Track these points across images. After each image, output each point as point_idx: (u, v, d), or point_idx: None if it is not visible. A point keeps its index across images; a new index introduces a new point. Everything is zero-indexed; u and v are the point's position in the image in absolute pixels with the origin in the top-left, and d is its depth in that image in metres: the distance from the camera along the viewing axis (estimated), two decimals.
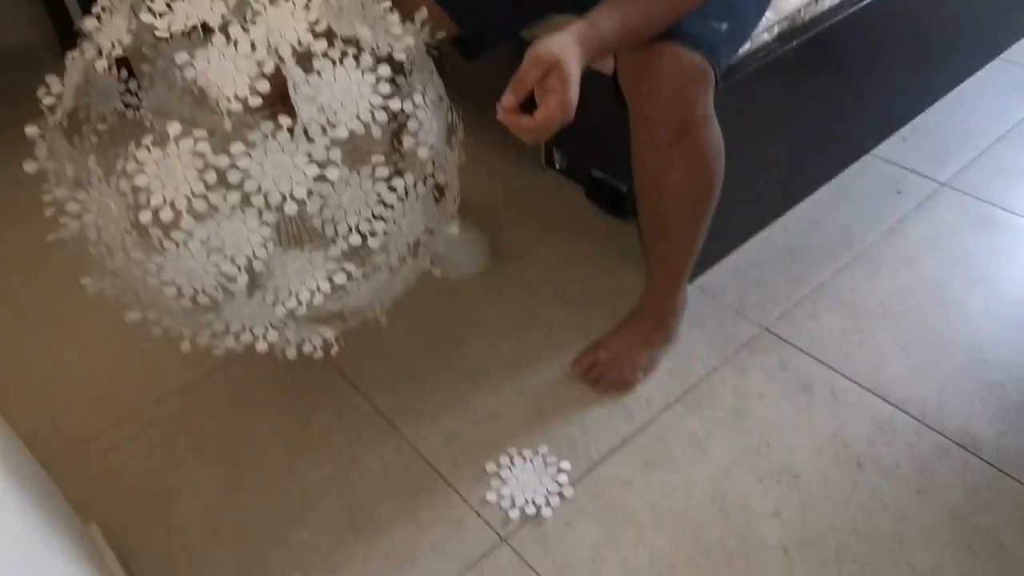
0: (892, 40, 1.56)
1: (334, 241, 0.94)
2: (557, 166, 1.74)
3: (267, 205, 0.88)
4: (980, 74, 1.93)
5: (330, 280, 0.96)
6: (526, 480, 1.16)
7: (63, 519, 0.88)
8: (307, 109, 0.87)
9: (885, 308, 1.38)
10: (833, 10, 1.38)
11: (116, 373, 1.39)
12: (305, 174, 0.88)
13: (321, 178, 0.89)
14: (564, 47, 0.92)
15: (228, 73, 0.86)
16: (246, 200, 0.88)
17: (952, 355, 1.29)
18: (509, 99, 0.92)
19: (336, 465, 1.21)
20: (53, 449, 1.26)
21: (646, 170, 1.13)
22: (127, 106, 1.06)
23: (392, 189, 0.94)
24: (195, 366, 1.38)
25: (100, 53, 0.92)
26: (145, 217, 0.86)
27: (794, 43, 1.31)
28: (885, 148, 1.74)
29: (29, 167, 0.97)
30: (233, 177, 0.86)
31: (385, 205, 0.94)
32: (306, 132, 0.87)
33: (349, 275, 0.97)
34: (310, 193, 0.89)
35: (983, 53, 1.95)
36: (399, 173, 0.95)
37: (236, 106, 0.85)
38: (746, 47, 1.25)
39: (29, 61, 2.33)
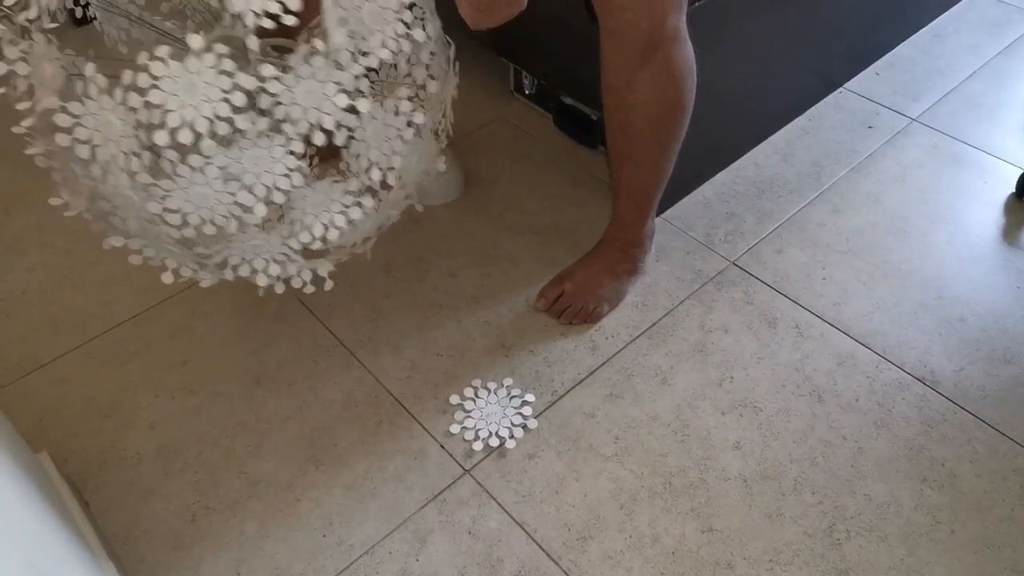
0: None
1: (357, 175, 0.90)
2: (526, 91, 1.68)
3: (295, 134, 0.84)
4: (955, 8, 1.90)
5: (345, 214, 0.94)
6: (490, 412, 1.15)
7: (11, 448, 0.85)
8: (338, 34, 0.81)
9: (850, 243, 1.38)
10: None
11: (63, 301, 1.33)
12: (335, 104, 0.84)
13: (350, 109, 0.85)
14: None
15: None
16: (274, 127, 0.84)
17: (914, 291, 1.30)
18: None
19: (295, 396, 1.18)
20: (0, 379, 1.21)
21: (613, 87, 1.09)
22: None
23: (410, 125, 0.90)
24: (147, 293, 1.33)
25: None
26: (161, 138, 0.80)
27: None
28: (858, 82, 1.71)
29: None
30: (264, 102, 0.81)
31: (403, 141, 0.91)
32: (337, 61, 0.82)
33: (364, 210, 0.94)
34: (338, 125, 0.85)
35: None
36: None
37: (267, 22, 0.78)
38: None
39: None
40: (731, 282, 1.33)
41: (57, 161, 0.88)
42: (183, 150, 0.83)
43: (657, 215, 1.40)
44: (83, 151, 0.83)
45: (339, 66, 0.83)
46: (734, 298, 1.30)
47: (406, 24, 0.86)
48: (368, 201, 0.94)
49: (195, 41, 0.78)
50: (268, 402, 1.18)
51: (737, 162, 1.55)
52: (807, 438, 1.11)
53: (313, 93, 0.83)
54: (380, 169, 0.92)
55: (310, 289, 0.98)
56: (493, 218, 1.45)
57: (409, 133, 0.91)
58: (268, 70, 0.81)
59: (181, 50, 0.80)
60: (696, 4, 1.16)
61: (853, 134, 1.59)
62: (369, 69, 0.84)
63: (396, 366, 1.22)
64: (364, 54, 0.84)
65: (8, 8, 0.83)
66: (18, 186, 1.54)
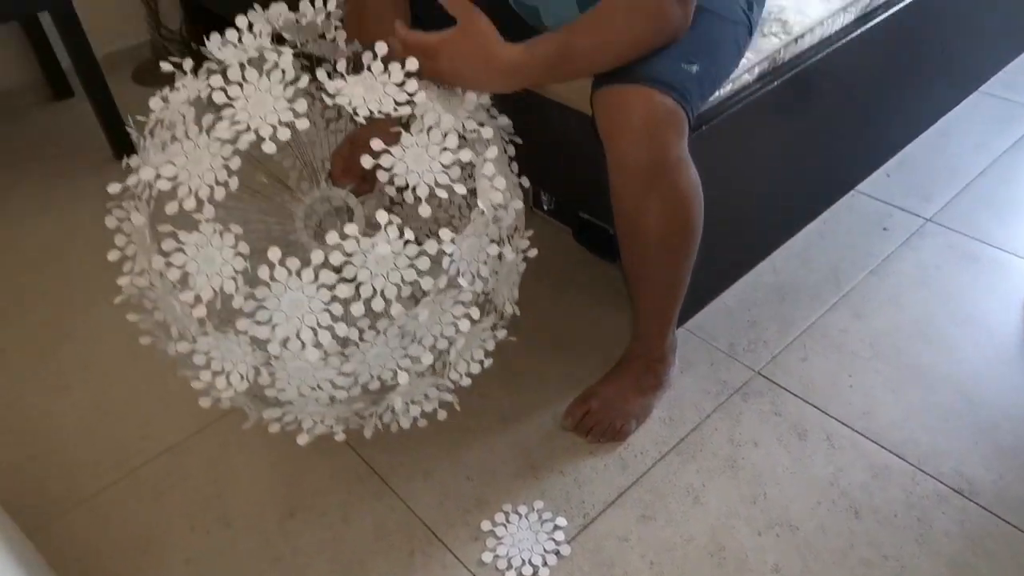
0: (872, 76, 1.57)
1: (490, 313, 1.09)
2: (545, 207, 1.74)
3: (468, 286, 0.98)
4: (960, 107, 1.95)
5: (484, 348, 1.09)
6: (522, 538, 1.15)
7: None
8: (488, 200, 0.98)
9: (874, 349, 1.39)
10: (812, 49, 1.39)
11: (104, 432, 1.37)
12: (488, 253, 1.01)
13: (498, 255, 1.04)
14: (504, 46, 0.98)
15: (375, 91, 0.95)
16: (452, 283, 0.96)
17: (944, 396, 1.29)
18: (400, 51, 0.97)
19: (328, 527, 1.19)
20: (39, 518, 1.24)
21: (623, 213, 1.13)
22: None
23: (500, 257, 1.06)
24: (184, 423, 1.36)
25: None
26: (357, 309, 0.91)
27: (775, 83, 1.32)
28: (870, 184, 1.75)
29: (111, 256, 1.03)
30: (444, 262, 0.94)
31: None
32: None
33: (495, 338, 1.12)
34: (493, 271, 1.03)
35: (962, 87, 1.98)
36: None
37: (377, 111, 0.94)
38: (727, 88, 1.26)
39: (16, 107, 2.32)
40: (758, 393, 1.33)
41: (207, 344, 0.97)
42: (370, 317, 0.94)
43: (679, 325, 1.42)
44: (263, 331, 0.91)
45: (496, 219, 1.02)
46: (762, 409, 1.30)
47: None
48: (501, 333, 1.12)
49: (382, 216, 0.91)
50: (303, 533, 1.19)
51: (756, 268, 1.57)
52: (847, 558, 1.09)
53: (474, 247, 0.99)
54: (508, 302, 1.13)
55: (423, 422, 1.12)
56: (517, 334, 1.48)
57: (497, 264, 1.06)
58: (446, 234, 0.93)
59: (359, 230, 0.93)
60: (702, 129, 1.21)
61: (869, 236, 1.61)
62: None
63: (428, 492, 1.23)
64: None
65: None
66: (63, 322, 1.61)
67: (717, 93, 1.24)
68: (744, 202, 1.45)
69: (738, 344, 1.42)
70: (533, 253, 1.13)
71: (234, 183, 0.91)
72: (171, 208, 0.92)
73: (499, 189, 0.99)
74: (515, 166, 1.16)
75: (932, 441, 1.23)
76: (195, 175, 0.91)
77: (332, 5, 1.09)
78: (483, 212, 0.98)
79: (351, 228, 0.91)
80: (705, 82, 1.10)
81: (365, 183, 1.17)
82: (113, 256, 1.03)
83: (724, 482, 1.20)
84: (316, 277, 0.90)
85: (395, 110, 0.95)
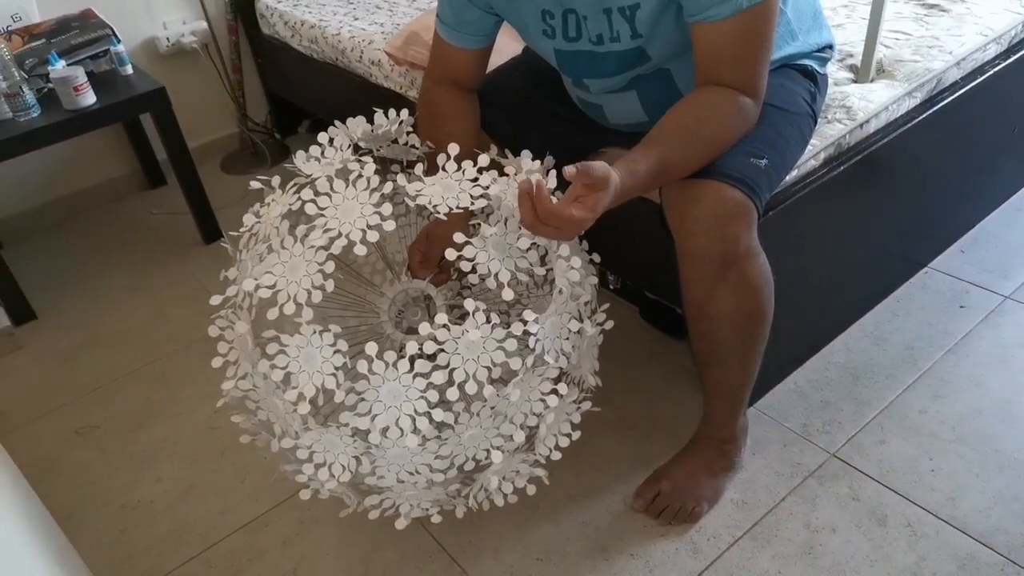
0: (939, 155, 1.57)
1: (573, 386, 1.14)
2: (611, 287, 1.76)
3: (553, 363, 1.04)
4: None
5: (570, 422, 1.13)
6: None
7: None
8: (567, 280, 1.04)
9: (956, 431, 1.34)
10: (878, 133, 1.41)
11: (187, 510, 1.42)
12: (570, 329, 1.06)
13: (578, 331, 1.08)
14: (615, 182, 0.95)
15: (452, 189, 1.03)
16: (537, 361, 1.02)
17: None
18: (570, 170, 0.91)
19: None
20: None
21: (694, 302, 1.15)
22: None
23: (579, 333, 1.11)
24: (261, 499, 1.41)
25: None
26: (452, 394, 0.96)
27: (840, 168, 1.34)
28: (943, 261, 1.72)
29: (215, 363, 1.11)
30: (532, 343, 1.00)
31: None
32: None
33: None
34: (574, 346, 1.08)
35: None
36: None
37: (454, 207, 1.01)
38: (794, 173, 1.28)
39: (116, 195, 2.50)
40: (834, 476, 1.30)
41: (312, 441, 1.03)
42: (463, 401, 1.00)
43: (749, 406, 1.41)
44: (363, 422, 0.97)
45: (574, 297, 1.07)
46: (839, 494, 1.27)
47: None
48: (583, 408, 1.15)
49: (470, 304, 0.98)
50: None
51: (827, 347, 1.55)
52: None
53: (556, 325, 1.03)
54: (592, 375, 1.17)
55: (513, 499, 1.14)
56: (586, 414, 1.48)
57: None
58: (530, 315, 0.99)
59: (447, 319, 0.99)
60: (770, 214, 1.23)
61: (945, 314, 1.58)
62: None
63: (496, 571, 1.23)
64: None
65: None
66: (152, 401, 1.69)
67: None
68: (814, 283, 1.45)
69: (811, 425, 1.39)
70: (609, 325, 1.15)
71: (330, 285, 0.98)
72: (272, 314, 0.99)
73: (575, 268, 1.04)
74: (585, 243, 1.20)
75: (1022, 531, 1.17)
76: (292, 281, 0.98)
77: (405, 115, 1.17)
78: (561, 291, 1.02)
79: (441, 317, 0.97)
80: (773, 174, 1.13)
81: (442, 273, 1.22)
82: (217, 363, 1.10)
83: (801, 569, 1.17)
84: (412, 367, 0.96)
85: (472, 204, 1.01)
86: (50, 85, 1.91)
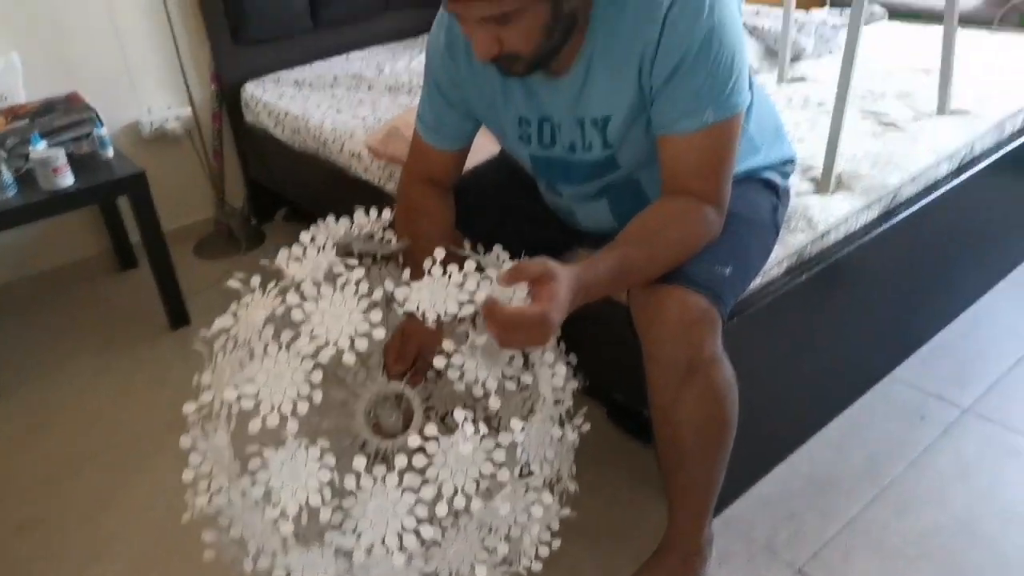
0: (897, 267, 1.62)
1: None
2: (578, 386, 1.76)
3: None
4: (989, 295, 1.97)
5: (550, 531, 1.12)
6: None
7: None
8: (549, 390, 1.05)
9: (919, 548, 1.34)
10: (838, 244, 1.45)
11: None
12: (554, 437, 1.08)
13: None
14: (566, 274, 0.98)
15: (439, 294, 1.01)
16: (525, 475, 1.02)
17: None
18: (504, 276, 0.96)
19: None
20: None
21: (659, 406, 1.16)
22: None
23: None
24: None
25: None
26: (441, 509, 0.94)
27: (803, 277, 1.38)
28: (904, 371, 1.75)
29: (187, 476, 1.06)
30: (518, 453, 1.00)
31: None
32: None
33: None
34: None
35: (989, 275, 2.01)
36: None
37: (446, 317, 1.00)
38: (757, 282, 1.31)
39: (86, 275, 2.48)
40: None
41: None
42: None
43: (715, 515, 1.40)
44: (348, 541, 0.94)
45: (557, 402, 1.09)
46: None
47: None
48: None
49: (459, 415, 0.97)
50: None
51: (792, 456, 1.56)
52: None
53: (540, 432, 1.03)
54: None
55: None
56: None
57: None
58: (516, 423, 0.98)
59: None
60: (733, 321, 1.25)
61: (905, 425, 1.60)
62: None
63: None
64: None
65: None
66: (105, 492, 1.64)
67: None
68: (777, 391, 1.46)
69: (777, 538, 1.38)
70: (586, 428, 1.16)
71: (317, 396, 0.96)
72: (254, 426, 0.95)
73: (559, 375, 1.05)
74: (562, 344, 1.21)
75: None
76: (277, 391, 0.95)
77: (387, 214, 1.19)
78: (545, 399, 1.03)
79: (431, 429, 0.95)
80: (737, 282, 1.16)
81: (417, 374, 1.22)
82: (188, 476, 1.05)
83: None
84: (401, 481, 0.93)
85: (460, 310, 1.01)
86: (29, 165, 1.92)
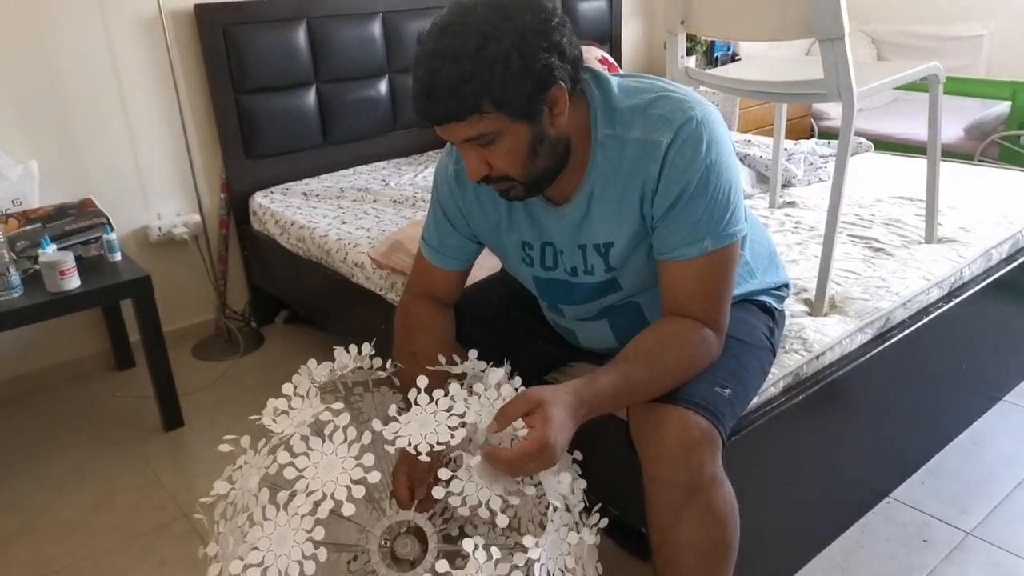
0: (893, 388, 1.64)
1: None
2: (586, 485, 1.73)
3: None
4: (988, 416, 1.98)
5: None
6: None
7: None
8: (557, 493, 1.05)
9: None
10: (833, 365, 1.48)
11: None
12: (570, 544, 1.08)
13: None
14: (554, 392, 1.02)
15: (428, 425, 1.03)
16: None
17: None
18: (492, 426, 1.01)
19: None
20: None
21: (659, 527, 1.15)
22: None
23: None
24: None
25: None
26: None
27: (799, 397, 1.39)
28: (904, 491, 1.73)
29: None
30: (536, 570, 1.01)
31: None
32: None
33: None
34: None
35: (986, 396, 2.03)
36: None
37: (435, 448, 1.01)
38: (755, 401, 1.32)
39: (82, 373, 2.47)
40: None
41: None
42: None
43: None
44: None
45: (568, 508, 1.08)
46: None
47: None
48: None
49: (469, 544, 0.98)
50: None
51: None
52: None
53: (556, 543, 1.03)
54: None
55: None
56: None
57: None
58: (530, 540, 0.98)
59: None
60: (731, 439, 1.26)
61: (908, 548, 1.57)
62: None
63: None
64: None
65: None
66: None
67: None
68: (777, 510, 1.45)
69: None
70: (604, 523, 1.15)
71: (322, 554, 0.96)
72: None
73: (564, 482, 1.04)
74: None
75: None
76: (281, 555, 0.95)
77: (367, 348, 1.21)
78: (556, 508, 1.02)
79: (442, 565, 0.95)
80: (736, 404, 1.17)
81: (427, 500, 1.20)
82: None
83: None
84: None
85: (452, 437, 1.01)
86: (37, 267, 1.96)
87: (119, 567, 1.65)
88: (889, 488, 1.74)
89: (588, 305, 1.26)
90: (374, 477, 0.99)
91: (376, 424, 1.05)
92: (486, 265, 1.46)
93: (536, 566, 0.97)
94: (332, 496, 0.97)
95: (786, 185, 2.34)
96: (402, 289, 1.45)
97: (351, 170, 2.79)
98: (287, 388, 1.12)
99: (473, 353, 1.19)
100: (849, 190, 1.59)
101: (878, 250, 1.83)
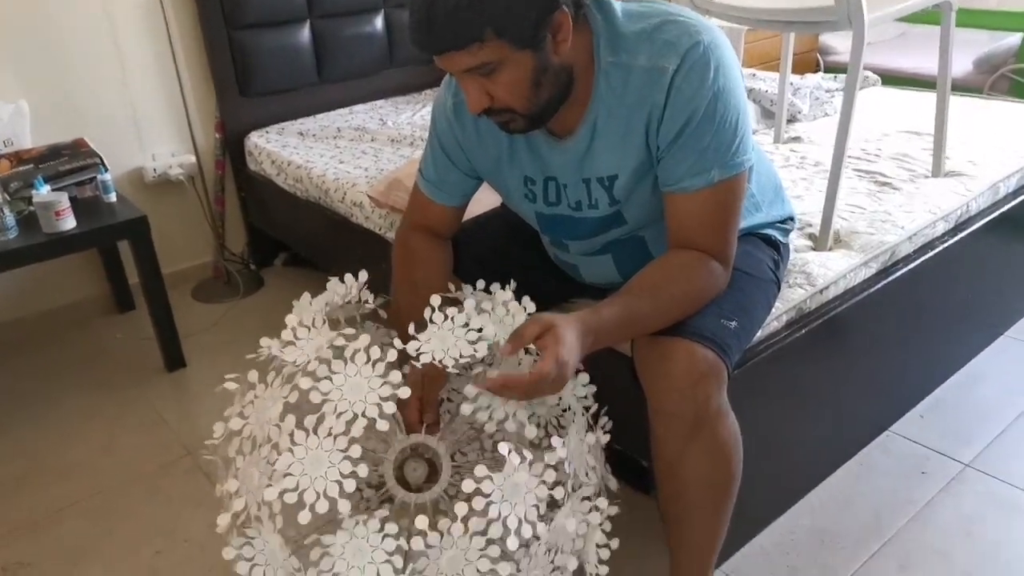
0: (895, 322, 1.63)
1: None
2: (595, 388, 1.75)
3: None
4: (988, 351, 1.98)
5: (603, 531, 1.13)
6: None
7: None
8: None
9: None
10: (836, 299, 1.47)
11: None
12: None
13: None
14: (563, 317, 1.01)
15: (447, 341, 1.03)
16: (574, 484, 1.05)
17: None
18: (506, 348, 1.00)
19: None
20: None
21: (664, 459, 1.15)
22: None
23: None
24: None
25: None
26: (513, 543, 0.94)
27: (802, 331, 1.38)
28: (904, 425, 1.75)
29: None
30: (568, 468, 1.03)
31: None
32: None
33: None
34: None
35: (987, 330, 2.03)
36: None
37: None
38: (758, 335, 1.32)
39: (83, 316, 2.47)
40: None
41: None
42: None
43: (716, 567, 1.37)
44: None
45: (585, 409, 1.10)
46: None
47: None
48: None
49: (504, 447, 0.97)
50: None
51: (794, 507, 1.54)
52: None
53: (577, 444, 1.04)
54: None
55: None
56: None
57: None
58: (557, 441, 1.01)
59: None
60: (734, 373, 1.25)
61: (907, 480, 1.59)
62: None
63: None
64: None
65: None
66: (90, 539, 1.61)
67: None
68: (779, 442, 1.46)
69: None
70: (610, 425, 1.17)
71: (363, 470, 0.95)
72: (303, 517, 0.94)
73: (579, 383, 1.07)
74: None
75: None
76: (319, 477, 0.94)
77: (363, 276, 1.19)
78: (573, 410, 1.06)
79: (480, 469, 0.95)
80: (742, 336, 1.16)
81: (435, 426, 1.20)
82: None
83: None
84: (466, 528, 0.94)
85: (475, 351, 1.02)
86: (32, 208, 1.93)
87: (126, 506, 1.67)
88: (888, 422, 1.75)
89: (592, 240, 1.24)
90: (404, 392, 0.99)
91: (397, 342, 1.05)
92: (485, 200, 1.44)
93: (566, 464, 0.99)
94: (363, 415, 0.96)
95: (791, 120, 2.29)
96: None
97: (347, 109, 2.74)
98: (290, 319, 1.11)
99: (480, 284, 1.18)
100: (856, 124, 1.55)
101: (884, 184, 1.81)
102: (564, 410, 1.14)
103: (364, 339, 1.03)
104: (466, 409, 1.01)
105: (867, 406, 1.69)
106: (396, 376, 1.01)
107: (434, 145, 1.26)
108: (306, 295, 1.18)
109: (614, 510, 1.13)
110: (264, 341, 1.09)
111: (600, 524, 1.09)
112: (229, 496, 1.02)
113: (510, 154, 1.20)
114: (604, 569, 1.08)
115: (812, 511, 1.53)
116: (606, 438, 1.15)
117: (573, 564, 1.02)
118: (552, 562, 1.01)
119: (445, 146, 1.25)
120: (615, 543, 1.11)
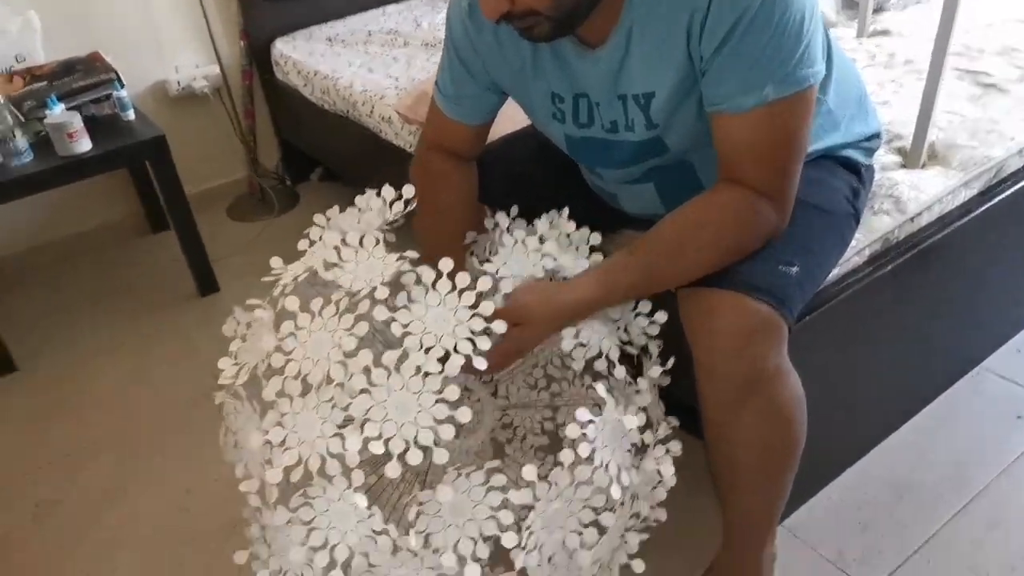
0: (997, 251, 1.42)
1: None
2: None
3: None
4: None
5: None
6: None
7: None
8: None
9: (1017, 570, 1.18)
10: (930, 227, 1.27)
11: None
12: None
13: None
14: (544, 301, 0.92)
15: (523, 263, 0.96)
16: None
17: None
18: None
19: None
20: None
21: (714, 424, 1.01)
22: None
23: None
24: None
25: None
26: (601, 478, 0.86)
27: (887, 267, 1.20)
28: (998, 361, 1.56)
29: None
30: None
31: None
32: None
33: None
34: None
35: None
36: None
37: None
38: (833, 273, 1.14)
39: (116, 238, 2.41)
40: None
41: None
42: None
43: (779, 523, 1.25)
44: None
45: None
46: None
47: None
48: None
49: (601, 388, 0.90)
50: None
51: (866, 457, 1.39)
52: None
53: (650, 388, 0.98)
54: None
55: None
56: None
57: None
58: (643, 382, 0.96)
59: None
60: (804, 319, 1.09)
61: (999, 426, 1.42)
62: None
63: None
64: None
65: None
66: (122, 473, 1.57)
67: None
68: (852, 389, 1.30)
69: (848, 553, 1.23)
70: (671, 363, 1.05)
71: (464, 414, 0.84)
72: (392, 470, 0.83)
73: (657, 319, 0.99)
74: None
75: None
76: (405, 423, 0.83)
77: (390, 192, 1.04)
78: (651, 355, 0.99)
79: (583, 413, 0.86)
80: (806, 283, 0.98)
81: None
82: (240, 558, 0.92)
83: None
84: (572, 478, 0.86)
85: (546, 273, 0.97)
86: (46, 129, 1.83)
87: (155, 438, 1.63)
88: (981, 356, 1.57)
89: (631, 168, 1.07)
90: (501, 327, 0.87)
91: (488, 266, 0.95)
92: (517, 117, 1.26)
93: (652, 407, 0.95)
94: (454, 350, 0.83)
95: (878, 10, 2.00)
96: None
97: (380, 9, 2.53)
98: (351, 238, 0.96)
99: (514, 211, 1.06)
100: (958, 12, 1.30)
101: (989, 86, 1.55)
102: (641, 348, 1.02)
103: (447, 263, 0.89)
104: (567, 345, 0.92)
105: (956, 340, 1.51)
106: (489, 307, 0.87)
107: (450, 54, 1.09)
108: (334, 209, 1.05)
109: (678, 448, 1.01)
110: (274, 262, 0.96)
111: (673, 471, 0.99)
112: (270, 448, 0.87)
113: (534, 65, 1.02)
114: (661, 512, 1.00)
115: (888, 462, 1.38)
116: (666, 380, 1.01)
117: (645, 510, 0.95)
118: (631, 509, 0.94)
119: (461, 54, 1.07)
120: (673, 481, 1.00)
